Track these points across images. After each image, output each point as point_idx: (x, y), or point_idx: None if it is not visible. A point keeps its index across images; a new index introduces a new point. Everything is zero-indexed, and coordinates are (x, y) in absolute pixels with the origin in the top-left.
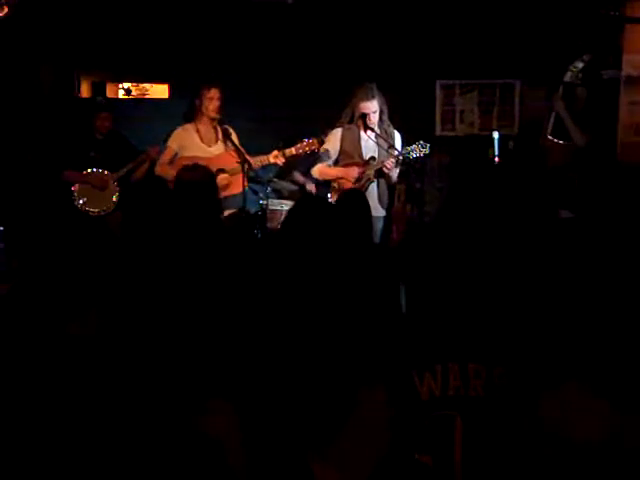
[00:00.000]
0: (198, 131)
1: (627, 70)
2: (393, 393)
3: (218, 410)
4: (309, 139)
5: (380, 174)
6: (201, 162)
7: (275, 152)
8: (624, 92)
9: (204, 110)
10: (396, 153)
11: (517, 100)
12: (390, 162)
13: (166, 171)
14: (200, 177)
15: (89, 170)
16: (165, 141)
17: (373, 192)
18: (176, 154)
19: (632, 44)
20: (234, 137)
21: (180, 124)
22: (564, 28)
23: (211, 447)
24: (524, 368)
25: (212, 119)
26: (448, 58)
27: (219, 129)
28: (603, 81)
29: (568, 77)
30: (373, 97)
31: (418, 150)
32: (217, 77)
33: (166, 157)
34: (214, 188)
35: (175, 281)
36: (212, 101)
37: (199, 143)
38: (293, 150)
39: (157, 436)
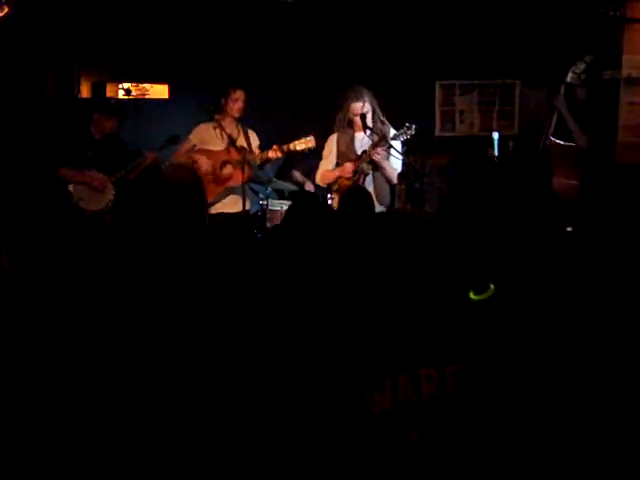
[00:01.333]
0: (221, 127)
1: (627, 70)
2: (343, 415)
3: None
4: (307, 136)
5: (376, 167)
6: (212, 154)
7: (274, 147)
8: (624, 92)
9: (228, 110)
10: (384, 142)
11: (517, 100)
12: (377, 151)
13: (179, 159)
14: (185, 178)
15: (88, 171)
16: (174, 137)
17: (369, 189)
18: (194, 146)
19: (632, 44)
20: (253, 139)
21: (180, 123)
22: (564, 28)
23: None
24: (480, 364)
25: (234, 118)
26: (448, 58)
27: (241, 129)
28: (603, 81)
29: (570, 78)
30: (362, 98)
31: (404, 132)
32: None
33: (184, 148)
34: (199, 189)
35: (168, 279)
36: (236, 102)
37: (218, 141)
38: (291, 146)
39: (159, 431)
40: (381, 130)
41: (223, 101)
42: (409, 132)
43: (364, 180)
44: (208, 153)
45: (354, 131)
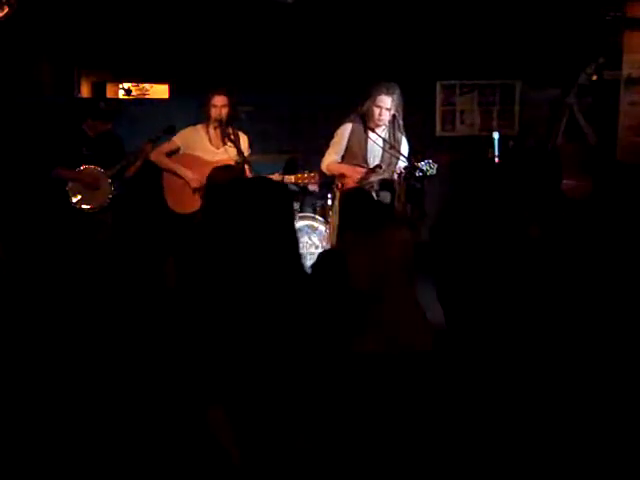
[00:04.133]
0: (208, 132)
1: (627, 70)
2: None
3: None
4: (310, 172)
5: (382, 187)
6: (201, 163)
7: (275, 175)
8: (624, 92)
9: (211, 115)
10: (406, 164)
11: (517, 100)
12: (401, 169)
13: (160, 160)
14: (232, 177)
15: (82, 167)
16: (171, 128)
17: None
18: (178, 149)
19: (632, 44)
20: (243, 142)
21: (180, 123)
22: (564, 28)
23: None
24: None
25: (216, 124)
26: (448, 58)
27: (230, 132)
28: (605, 81)
29: (581, 79)
30: (392, 93)
31: (427, 167)
32: (223, 82)
33: (166, 148)
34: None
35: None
36: (215, 108)
37: (207, 144)
38: (292, 178)
39: (156, 431)
40: (394, 136)
41: (206, 106)
42: (430, 171)
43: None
44: (195, 161)
45: (369, 130)
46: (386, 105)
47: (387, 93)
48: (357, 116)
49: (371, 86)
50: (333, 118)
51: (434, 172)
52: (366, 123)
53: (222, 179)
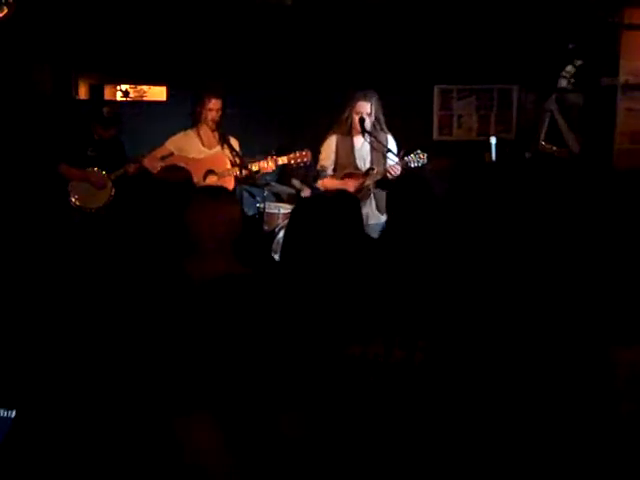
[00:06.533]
0: (199, 135)
1: (624, 76)
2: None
3: (202, 424)
4: (302, 150)
5: (380, 184)
6: (193, 162)
7: (267, 158)
8: (621, 99)
9: (203, 118)
10: (396, 160)
11: (515, 105)
12: (396, 168)
13: (154, 165)
14: (177, 178)
15: (90, 169)
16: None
17: (371, 199)
18: (172, 154)
19: (629, 51)
20: (233, 143)
21: (178, 125)
22: (562, 33)
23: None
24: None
25: (213, 126)
26: (446, 63)
27: (222, 136)
28: (600, 87)
29: (560, 83)
30: (370, 99)
31: (417, 159)
32: (218, 85)
33: (158, 153)
34: (189, 189)
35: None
36: (211, 112)
37: (199, 146)
38: (285, 159)
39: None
40: (378, 137)
41: (199, 109)
42: (421, 160)
43: (369, 196)
44: (187, 161)
45: (353, 136)
46: (366, 110)
47: (365, 99)
48: (339, 126)
49: (348, 95)
50: (331, 119)
51: (425, 160)
52: (349, 131)
53: (170, 179)
